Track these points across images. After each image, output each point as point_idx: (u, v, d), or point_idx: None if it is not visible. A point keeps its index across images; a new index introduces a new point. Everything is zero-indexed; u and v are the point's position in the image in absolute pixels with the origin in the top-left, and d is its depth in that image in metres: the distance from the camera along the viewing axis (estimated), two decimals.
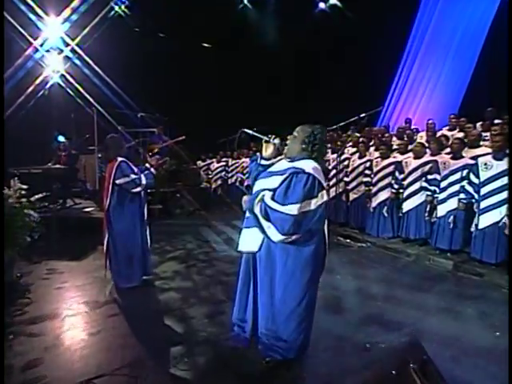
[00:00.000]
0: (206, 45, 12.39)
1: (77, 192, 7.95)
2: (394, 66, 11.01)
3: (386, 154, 5.93)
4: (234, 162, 10.44)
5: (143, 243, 3.94)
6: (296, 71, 11.81)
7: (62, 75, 9.07)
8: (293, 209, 2.16)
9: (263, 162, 2.60)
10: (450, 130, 6.73)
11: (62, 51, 8.98)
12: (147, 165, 4.08)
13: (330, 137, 6.87)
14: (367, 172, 6.25)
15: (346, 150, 6.85)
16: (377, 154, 6.21)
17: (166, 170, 8.24)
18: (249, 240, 2.41)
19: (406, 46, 10.97)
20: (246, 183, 8.92)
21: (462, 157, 4.89)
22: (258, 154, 2.70)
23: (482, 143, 5.25)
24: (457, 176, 4.80)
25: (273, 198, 2.25)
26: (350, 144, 7.09)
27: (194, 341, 2.84)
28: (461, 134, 5.97)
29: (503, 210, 4.21)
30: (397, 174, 5.70)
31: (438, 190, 5.05)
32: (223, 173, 10.85)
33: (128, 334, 2.96)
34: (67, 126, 9.17)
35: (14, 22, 7.54)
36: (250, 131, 2.70)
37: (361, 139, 6.92)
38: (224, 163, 10.86)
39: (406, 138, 6.61)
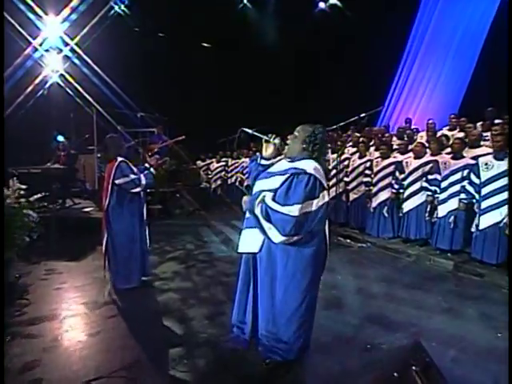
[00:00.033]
0: (205, 45, 12.38)
1: (76, 192, 7.94)
2: (394, 66, 11.02)
3: (386, 153, 5.92)
4: (233, 161, 10.43)
5: (142, 243, 3.92)
6: (296, 71, 11.80)
7: (62, 75, 9.04)
8: (294, 210, 2.14)
9: (263, 162, 2.58)
10: (450, 129, 6.72)
11: (61, 51, 8.96)
12: (147, 165, 4.06)
13: (330, 137, 6.85)
14: (367, 172, 6.24)
15: (346, 150, 6.83)
16: (377, 153, 6.20)
17: (166, 169, 8.23)
18: (249, 241, 2.39)
19: (405, 46, 10.97)
20: (245, 183, 8.91)
21: (463, 157, 4.88)
22: (257, 153, 2.68)
23: (482, 143, 5.24)
24: (457, 176, 4.79)
25: (274, 199, 2.23)
26: (350, 144, 7.07)
27: (194, 342, 2.82)
28: (461, 134, 5.96)
29: (504, 210, 4.20)
30: (397, 174, 5.69)
31: (438, 190, 5.03)
32: (223, 173, 10.83)
33: (127, 335, 2.94)
34: (66, 125, 9.15)
35: (13, 21, 7.52)
36: (250, 130, 2.68)
37: (361, 139, 6.91)
38: (224, 163, 10.84)
39: (406, 138, 6.60)
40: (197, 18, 10.76)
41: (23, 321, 3.13)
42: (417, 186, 5.39)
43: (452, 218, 4.83)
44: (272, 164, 2.53)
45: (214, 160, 11.29)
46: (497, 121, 5.94)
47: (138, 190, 3.82)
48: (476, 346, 2.78)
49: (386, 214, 5.83)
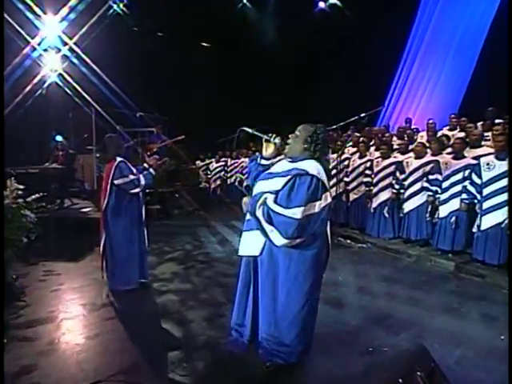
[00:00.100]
0: (205, 44, 12.34)
1: (74, 192, 7.91)
2: (393, 66, 11.00)
3: (386, 153, 5.88)
4: (233, 161, 10.40)
5: (141, 244, 3.88)
6: (296, 71, 11.76)
7: (60, 74, 9.01)
8: (297, 212, 2.10)
9: (263, 162, 2.55)
10: (450, 129, 6.70)
11: (59, 50, 8.92)
12: (145, 165, 4.02)
13: (330, 137, 6.82)
14: (368, 172, 6.21)
15: (346, 150, 6.80)
16: (377, 153, 6.17)
17: (165, 169, 8.19)
18: (250, 244, 2.34)
19: (405, 46, 10.95)
20: (244, 183, 8.88)
21: (464, 157, 4.85)
22: (257, 153, 2.65)
23: (483, 143, 5.21)
24: (459, 176, 4.75)
25: (275, 201, 2.18)
26: (350, 144, 7.04)
27: (193, 345, 2.78)
28: (462, 134, 5.93)
29: (505, 211, 4.16)
30: (398, 174, 5.66)
31: (439, 191, 5.00)
32: (222, 173, 10.81)
33: (125, 337, 2.90)
34: (65, 125, 9.12)
35: (11, 20, 7.48)
36: (250, 130, 2.64)
37: (361, 139, 6.88)
38: (223, 163, 10.82)
39: (406, 138, 6.57)
40: (196, 18, 10.71)
41: (20, 323, 3.09)
42: (417, 186, 5.36)
43: (453, 218, 4.79)
44: (272, 164, 2.49)
45: (213, 160, 11.27)
46: (497, 121, 5.91)
47: (137, 190, 3.78)
48: (478, 346, 2.77)
49: (387, 215, 5.80)
